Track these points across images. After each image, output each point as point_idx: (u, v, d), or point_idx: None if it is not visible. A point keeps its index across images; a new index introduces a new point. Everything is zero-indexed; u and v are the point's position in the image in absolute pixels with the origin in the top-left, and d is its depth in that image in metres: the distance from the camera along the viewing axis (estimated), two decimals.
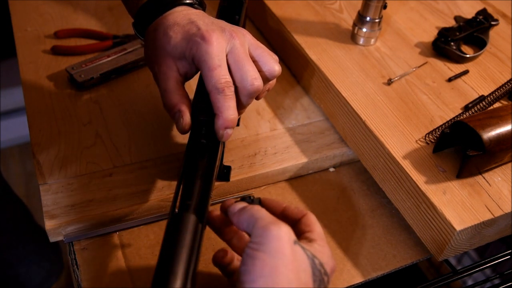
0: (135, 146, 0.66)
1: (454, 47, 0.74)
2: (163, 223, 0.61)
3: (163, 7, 0.56)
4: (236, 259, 0.50)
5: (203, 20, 0.54)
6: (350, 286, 0.57)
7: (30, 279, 1.06)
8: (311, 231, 0.46)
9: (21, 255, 1.04)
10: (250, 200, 0.48)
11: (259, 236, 0.41)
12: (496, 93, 0.69)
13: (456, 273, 0.60)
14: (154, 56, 0.55)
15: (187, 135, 0.54)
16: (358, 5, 0.74)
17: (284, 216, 0.48)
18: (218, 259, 0.49)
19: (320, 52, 0.73)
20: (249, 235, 0.43)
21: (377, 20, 0.74)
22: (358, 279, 0.57)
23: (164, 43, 0.54)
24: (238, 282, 0.40)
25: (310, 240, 0.45)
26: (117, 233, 0.59)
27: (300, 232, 0.46)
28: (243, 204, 0.46)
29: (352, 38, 0.77)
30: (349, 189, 0.67)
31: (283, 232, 0.41)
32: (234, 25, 0.56)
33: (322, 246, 0.45)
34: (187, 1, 0.57)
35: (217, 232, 0.50)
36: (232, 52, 0.53)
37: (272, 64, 0.55)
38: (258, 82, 0.53)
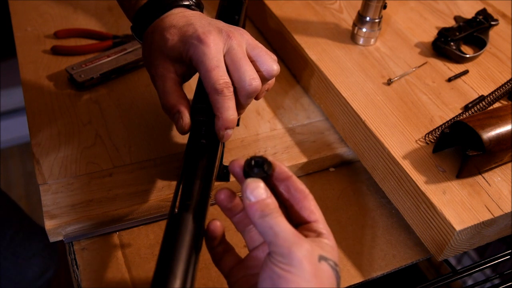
0: (135, 146, 0.66)
1: (454, 47, 0.74)
2: (163, 223, 0.61)
3: (160, 10, 0.56)
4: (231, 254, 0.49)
5: (200, 21, 0.54)
6: (350, 286, 0.57)
7: (21, 275, 1.06)
8: (316, 221, 0.45)
9: (9, 252, 1.04)
10: (261, 164, 0.45)
11: (285, 257, 0.40)
12: (496, 93, 0.69)
13: (456, 273, 0.60)
14: (152, 58, 0.55)
15: (187, 135, 0.54)
16: (358, 5, 0.74)
17: (286, 187, 0.46)
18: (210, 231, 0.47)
19: (320, 52, 0.73)
20: (266, 241, 0.42)
21: (377, 20, 0.74)
22: (358, 279, 0.57)
23: (161, 45, 0.54)
24: None
25: (318, 234, 0.44)
26: (117, 233, 0.59)
27: (303, 220, 0.45)
28: (258, 192, 0.43)
29: (352, 38, 0.77)
30: (349, 189, 0.67)
31: (308, 253, 0.40)
32: (232, 25, 0.56)
33: (331, 240, 0.44)
34: (184, 3, 0.57)
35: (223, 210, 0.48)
36: (229, 53, 0.53)
37: (271, 63, 0.55)
38: (256, 82, 0.53)
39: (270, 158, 0.46)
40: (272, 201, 0.43)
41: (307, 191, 0.46)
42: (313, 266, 0.40)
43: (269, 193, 0.44)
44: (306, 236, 0.43)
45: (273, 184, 0.46)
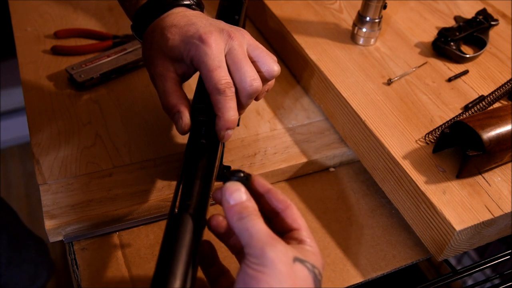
0: (135, 146, 0.66)
1: (454, 47, 0.74)
2: (163, 223, 0.61)
3: (160, 9, 0.56)
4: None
5: (201, 21, 0.54)
6: (350, 286, 0.57)
7: (11, 282, 1.06)
8: (298, 229, 0.45)
9: (4, 257, 1.03)
10: (242, 178, 0.45)
11: (258, 257, 0.40)
12: (496, 93, 0.69)
13: (456, 273, 0.60)
14: (152, 57, 0.55)
15: (187, 135, 0.54)
16: (358, 5, 0.74)
17: (269, 198, 0.46)
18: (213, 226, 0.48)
19: (320, 52, 0.73)
20: (242, 243, 0.42)
21: (377, 20, 0.74)
22: (358, 279, 0.57)
23: (161, 45, 0.54)
24: None
25: (300, 242, 0.44)
26: (117, 233, 0.59)
27: (286, 228, 0.45)
28: (237, 195, 0.44)
29: (352, 38, 0.77)
30: (349, 189, 0.67)
31: (281, 253, 0.40)
32: (233, 26, 0.56)
33: (313, 246, 0.44)
34: (185, 2, 0.57)
35: (217, 236, 0.49)
36: (230, 53, 0.53)
37: (271, 64, 0.55)
38: (257, 82, 0.53)
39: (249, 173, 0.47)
40: (251, 205, 0.43)
41: (288, 201, 0.46)
42: (286, 267, 0.39)
43: (249, 196, 0.44)
44: (288, 243, 0.42)
45: (256, 197, 0.46)
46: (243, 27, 0.68)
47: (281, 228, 0.45)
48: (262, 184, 0.47)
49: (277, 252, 0.39)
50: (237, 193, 0.44)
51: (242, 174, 0.46)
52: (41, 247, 1.17)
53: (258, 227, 0.41)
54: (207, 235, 0.47)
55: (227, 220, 0.43)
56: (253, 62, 0.54)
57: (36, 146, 0.64)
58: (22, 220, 1.15)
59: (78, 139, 0.66)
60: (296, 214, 0.46)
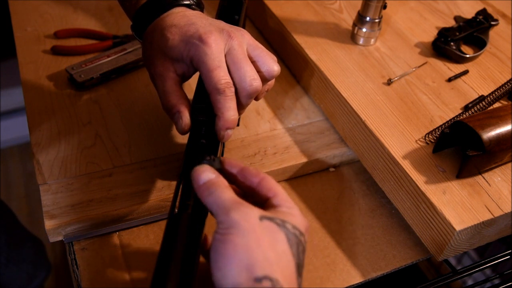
0: (135, 146, 0.66)
1: (454, 47, 0.74)
2: (163, 223, 0.61)
3: (160, 9, 0.56)
4: None
5: (201, 21, 0.54)
6: (350, 286, 0.57)
7: (9, 281, 1.06)
8: (274, 196, 0.45)
9: (3, 256, 1.03)
10: (211, 161, 0.47)
11: (224, 222, 0.40)
12: (496, 93, 0.69)
13: (456, 273, 0.60)
14: (152, 57, 0.55)
15: (187, 135, 0.54)
16: (358, 5, 0.74)
17: (243, 177, 0.46)
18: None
19: (320, 52, 0.73)
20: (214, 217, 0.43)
21: (377, 20, 0.74)
22: (358, 279, 0.57)
23: (161, 45, 0.54)
24: (213, 270, 0.39)
25: (275, 206, 0.44)
26: (117, 233, 0.59)
27: (263, 199, 0.45)
28: (205, 175, 0.45)
29: (352, 38, 0.77)
30: (349, 189, 0.67)
31: (244, 213, 0.40)
32: (232, 25, 0.56)
33: (290, 207, 0.44)
34: (185, 2, 0.57)
35: None
36: (230, 53, 0.53)
37: (271, 64, 0.55)
38: (256, 82, 0.53)
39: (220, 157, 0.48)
40: (220, 180, 0.44)
41: (262, 174, 0.46)
42: (250, 224, 0.40)
43: (217, 174, 0.45)
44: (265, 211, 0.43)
45: (231, 179, 0.47)
46: (243, 27, 0.68)
47: (259, 200, 0.45)
48: (234, 164, 0.47)
49: (241, 213, 0.40)
50: (205, 173, 0.45)
51: (208, 158, 0.47)
52: (39, 247, 1.18)
53: (224, 196, 0.42)
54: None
55: (202, 201, 0.44)
56: (253, 62, 0.54)
57: (36, 146, 0.64)
58: (20, 220, 1.15)
59: (78, 139, 0.66)
60: (270, 183, 0.46)
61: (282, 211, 0.43)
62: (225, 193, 0.42)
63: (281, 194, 0.45)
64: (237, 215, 0.40)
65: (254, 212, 0.41)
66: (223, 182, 0.44)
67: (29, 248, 1.11)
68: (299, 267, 0.41)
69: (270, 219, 0.41)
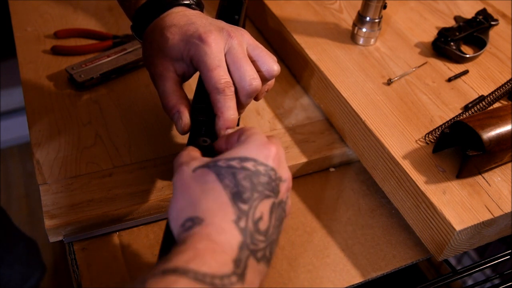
0: (135, 146, 0.66)
1: (454, 47, 0.74)
2: (163, 223, 0.61)
3: (160, 9, 0.56)
4: None
5: (200, 20, 0.54)
6: (350, 286, 0.57)
7: (4, 282, 1.06)
8: (241, 134, 0.46)
9: None
10: (200, 142, 0.50)
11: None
12: (496, 93, 0.69)
13: (456, 273, 0.60)
14: (152, 57, 0.55)
15: (187, 135, 0.54)
16: (358, 5, 0.74)
17: (231, 146, 0.47)
18: None
19: (320, 52, 0.73)
20: None
21: (377, 20, 0.74)
22: (358, 279, 0.57)
23: (161, 44, 0.54)
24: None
25: (241, 142, 0.44)
26: (117, 233, 0.59)
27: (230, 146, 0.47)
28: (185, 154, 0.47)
29: (352, 38, 0.77)
30: (349, 189, 0.67)
31: (179, 174, 0.42)
32: (232, 25, 0.56)
33: (244, 140, 0.44)
34: (185, 2, 0.57)
35: None
36: (230, 52, 0.53)
37: (271, 64, 0.55)
38: (256, 82, 0.53)
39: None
40: (187, 151, 0.47)
41: (239, 129, 0.47)
42: (183, 181, 0.42)
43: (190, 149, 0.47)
44: None
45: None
46: (243, 27, 0.68)
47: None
48: (221, 143, 0.49)
49: (177, 175, 0.43)
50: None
51: (203, 139, 0.50)
52: (32, 248, 1.17)
53: (183, 157, 0.45)
54: None
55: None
56: (253, 61, 0.54)
57: (36, 146, 0.64)
58: (13, 221, 1.14)
59: (78, 139, 0.66)
60: (244, 128, 0.47)
61: (238, 145, 0.44)
62: (184, 155, 0.45)
63: (248, 131, 0.46)
64: (175, 178, 0.43)
65: (188, 168, 0.42)
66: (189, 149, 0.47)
67: (22, 248, 1.11)
68: (239, 194, 0.40)
69: (202, 166, 0.42)
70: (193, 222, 0.39)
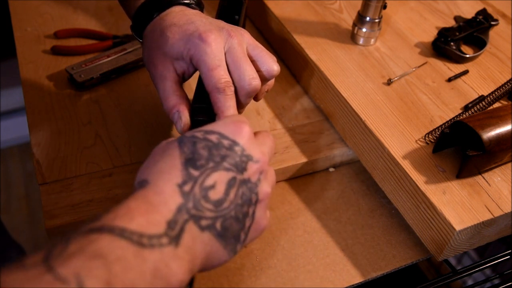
0: (135, 146, 0.66)
1: (454, 47, 0.74)
2: None
3: (160, 8, 0.56)
4: None
5: (200, 20, 0.54)
6: (350, 286, 0.57)
7: None
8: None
9: None
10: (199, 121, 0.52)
11: None
12: (496, 93, 0.69)
13: (456, 273, 0.60)
14: (151, 57, 0.55)
15: None
16: (358, 5, 0.74)
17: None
18: None
19: (320, 52, 0.73)
20: None
21: (377, 20, 0.74)
22: (358, 279, 0.57)
23: (161, 44, 0.54)
24: None
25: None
26: None
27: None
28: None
29: (352, 38, 0.77)
30: (349, 189, 0.67)
31: (157, 147, 0.43)
32: (232, 25, 0.56)
33: (224, 119, 0.45)
34: (185, 1, 0.57)
35: None
36: (230, 52, 0.53)
37: (271, 63, 0.55)
38: (256, 81, 0.53)
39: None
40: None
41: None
42: (154, 152, 0.44)
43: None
44: None
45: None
46: (243, 27, 0.68)
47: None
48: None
49: (155, 148, 0.44)
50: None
51: (201, 118, 0.53)
52: (21, 255, 1.17)
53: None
54: None
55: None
56: (253, 61, 0.54)
57: (36, 146, 0.64)
58: (13, 221, 1.14)
59: (78, 139, 0.66)
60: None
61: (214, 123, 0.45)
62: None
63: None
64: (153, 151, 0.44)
65: (166, 141, 0.44)
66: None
67: (12, 256, 1.11)
68: (193, 160, 0.40)
69: (174, 140, 0.43)
70: (141, 185, 0.40)
